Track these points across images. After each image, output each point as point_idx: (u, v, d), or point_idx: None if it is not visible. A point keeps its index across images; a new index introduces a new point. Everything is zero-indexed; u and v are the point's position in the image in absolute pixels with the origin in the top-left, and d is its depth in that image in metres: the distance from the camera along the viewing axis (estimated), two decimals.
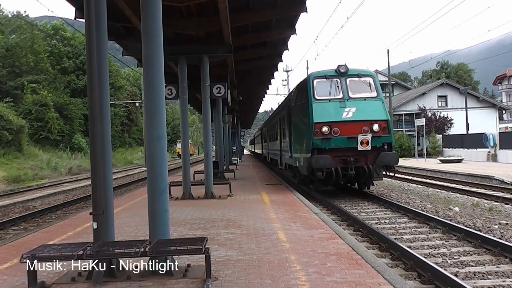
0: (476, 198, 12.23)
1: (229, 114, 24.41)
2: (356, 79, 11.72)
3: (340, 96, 11.38)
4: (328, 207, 10.69)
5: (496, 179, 16.05)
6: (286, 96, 17.47)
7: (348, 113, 11.03)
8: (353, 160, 10.85)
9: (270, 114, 40.28)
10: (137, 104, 49.09)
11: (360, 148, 10.86)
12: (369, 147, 10.87)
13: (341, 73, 11.64)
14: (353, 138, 10.88)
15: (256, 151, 48.87)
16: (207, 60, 11.58)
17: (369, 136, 10.85)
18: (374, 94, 11.55)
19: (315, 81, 11.70)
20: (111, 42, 12.38)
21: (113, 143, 41.30)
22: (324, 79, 11.69)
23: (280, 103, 22.86)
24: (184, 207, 9.70)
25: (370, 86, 11.68)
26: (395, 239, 7.06)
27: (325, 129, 10.89)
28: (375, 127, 10.95)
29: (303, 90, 12.15)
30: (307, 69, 41.96)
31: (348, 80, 11.61)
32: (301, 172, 12.54)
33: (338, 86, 11.52)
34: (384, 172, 11.43)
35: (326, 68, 12.49)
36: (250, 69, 18.23)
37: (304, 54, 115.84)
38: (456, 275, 5.18)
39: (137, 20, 8.19)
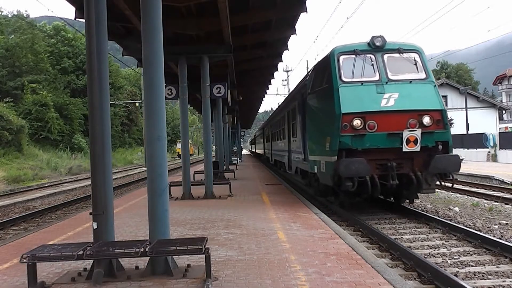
0: (476, 198, 12.23)
1: (229, 114, 24.42)
2: (397, 55, 8.91)
3: (376, 77, 8.60)
4: (327, 207, 10.67)
5: (496, 179, 16.06)
6: (299, 82, 14.39)
7: (389, 101, 8.28)
8: (396, 166, 8.15)
9: (271, 114, 39.39)
10: (137, 104, 49.16)
11: (405, 148, 8.09)
12: (417, 147, 8.10)
13: (376, 47, 8.85)
14: (395, 134, 8.13)
15: (257, 151, 47.37)
16: (207, 60, 11.59)
17: (417, 132, 8.09)
18: (422, 75, 8.75)
19: (341, 58, 8.86)
20: (111, 42, 12.38)
21: (113, 143, 41.30)
22: (353, 55, 8.83)
23: (285, 99, 21.45)
24: (184, 207, 9.70)
25: (416, 64, 8.88)
26: (395, 239, 7.06)
27: (357, 122, 8.14)
28: (426, 119, 8.19)
29: (325, 71, 9.30)
30: (307, 69, 41.94)
31: (385, 56, 8.83)
32: (322, 181, 9.65)
33: (372, 64, 8.75)
34: (437, 182, 8.60)
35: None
36: (250, 69, 18.23)
37: (304, 54, 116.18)
38: (456, 275, 5.18)
39: (137, 20, 8.19)
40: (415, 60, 8.94)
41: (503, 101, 67.32)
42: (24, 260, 4.15)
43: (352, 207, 9.83)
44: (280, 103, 23.77)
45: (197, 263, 4.85)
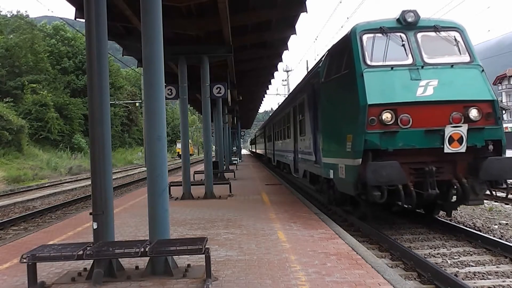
0: None
1: (229, 114, 24.45)
2: (433, 34, 7.33)
3: (409, 60, 7.01)
4: (327, 207, 10.66)
5: None
6: (307, 72, 12.67)
7: (426, 89, 6.69)
8: (435, 170, 6.59)
9: (271, 114, 38.97)
10: (137, 104, 49.17)
11: (448, 149, 6.51)
12: (463, 148, 6.51)
13: (408, 24, 7.27)
14: (435, 131, 6.55)
15: (258, 151, 46.48)
16: (207, 60, 11.61)
17: (463, 129, 6.50)
18: (466, 57, 7.17)
19: (364, 37, 7.28)
20: (111, 42, 12.38)
21: (113, 143, 41.28)
22: (380, 34, 7.26)
23: (289, 93, 20.51)
24: (184, 207, 9.70)
25: (457, 44, 7.30)
26: (395, 239, 7.06)
27: (386, 116, 6.58)
28: (473, 113, 6.60)
29: (344, 53, 7.66)
30: (307, 69, 41.86)
31: (419, 35, 7.26)
32: (340, 188, 8.00)
33: (404, 45, 7.18)
34: (487, 191, 7.05)
35: None
36: (250, 69, 18.24)
37: (304, 54, 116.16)
38: (456, 275, 5.18)
39: (137, 21, 8.19)
40: (455, 39, 7.36)
41: (503, 101, 67.33)
42: (24, 260, 4.15)
43: (375, 219, 8.19)
44: (282, 102, 22.39)
45: (197, 263, 4.85)
